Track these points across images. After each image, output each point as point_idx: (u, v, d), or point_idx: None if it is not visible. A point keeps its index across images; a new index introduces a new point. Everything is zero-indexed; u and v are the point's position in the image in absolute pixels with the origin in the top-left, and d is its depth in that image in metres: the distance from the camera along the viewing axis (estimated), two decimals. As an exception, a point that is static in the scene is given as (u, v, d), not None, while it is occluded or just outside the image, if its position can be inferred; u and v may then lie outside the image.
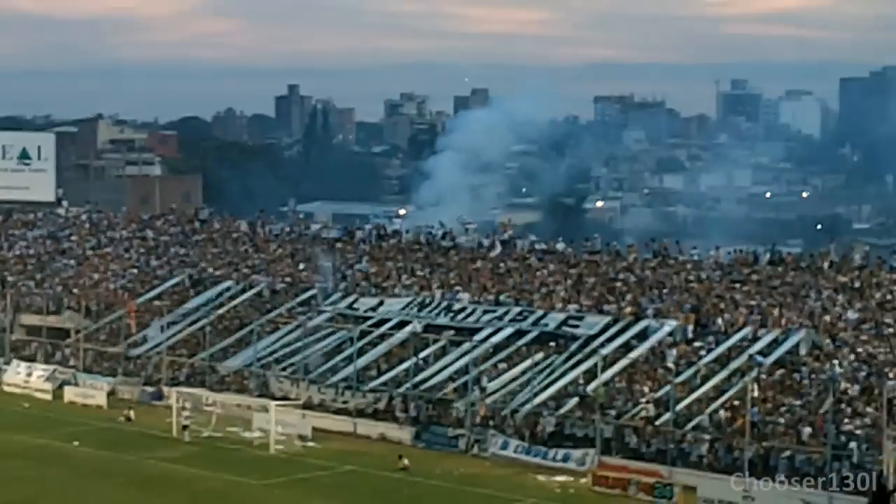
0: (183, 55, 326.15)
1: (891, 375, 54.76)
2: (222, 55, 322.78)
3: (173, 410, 62.30)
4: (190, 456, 57.48)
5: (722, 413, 56.00)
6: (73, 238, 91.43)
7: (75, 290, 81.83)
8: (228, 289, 77.77)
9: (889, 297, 61.98)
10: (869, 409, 53.37)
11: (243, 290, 77.23)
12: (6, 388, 72.88)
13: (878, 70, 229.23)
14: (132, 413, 65.24)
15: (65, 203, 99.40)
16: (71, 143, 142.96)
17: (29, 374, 73.43)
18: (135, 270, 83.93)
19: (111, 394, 69.61)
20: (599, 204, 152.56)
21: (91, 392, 70.06)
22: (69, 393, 70.59)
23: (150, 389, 70.17)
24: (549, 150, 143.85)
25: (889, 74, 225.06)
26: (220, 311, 74.83)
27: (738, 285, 66.44)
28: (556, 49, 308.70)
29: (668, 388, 57.14)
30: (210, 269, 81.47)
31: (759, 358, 58.52)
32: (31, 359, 76.08)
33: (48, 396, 70.88)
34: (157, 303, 77.61)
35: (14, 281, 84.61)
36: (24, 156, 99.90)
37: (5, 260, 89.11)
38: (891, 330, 59.04)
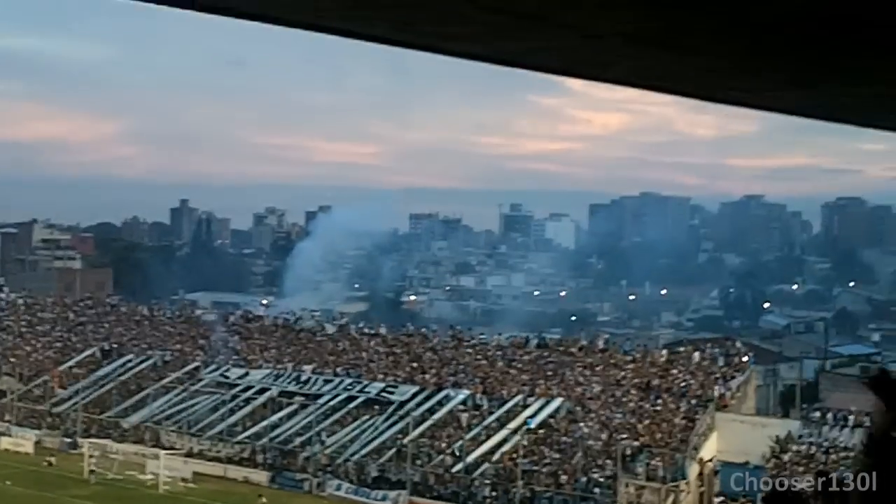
0: (100, 173, 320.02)
1: (624, 436, 55.24)
2: (130, 173, 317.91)
3: (85, 457, 60.55)
4: (97, 494, 56.01)
5: (500, 463, 56.00)
6: (11, 318, 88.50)
7: (12, 360, 79.14)
8: (130, 360, 75.80)
9: (622, 374, 62.43)
10: (608, 462, 53.77)
11: (142, 361, 75.34)
12: (-46, 439, 70.00)
13: (617, 199, 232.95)
14: (53, 459, 63.05)
15: (5, 289, 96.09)
16: (12, 242, 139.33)
17: (-27, 427, 70.77)
18: (59, 344, 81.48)
19: (37, 443, 67.02)
20: (412, 298, 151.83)
21: (21, 441, 67.39)
22: (4, 442, 67.81)
23: (67, 440, 67.80)
24: (376, 254, 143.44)
25: (624, 202, 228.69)
26: (124, 378, 72.91)
27: (513, 362, 66.43)
28: (382, 176, 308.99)
29: (460, 442, 57.03)
30: (117, 344, 79.35)
31: (529, 420, 58.66)
32: (-25, 414, 73.27)
33: (-12, 444, 68.32)
34: (74, 370, 75.43)
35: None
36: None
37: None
38: (624, 399, 59.54)
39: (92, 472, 59.08)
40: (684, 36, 4.81)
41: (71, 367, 76.16)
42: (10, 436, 68.85)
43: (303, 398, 65.70)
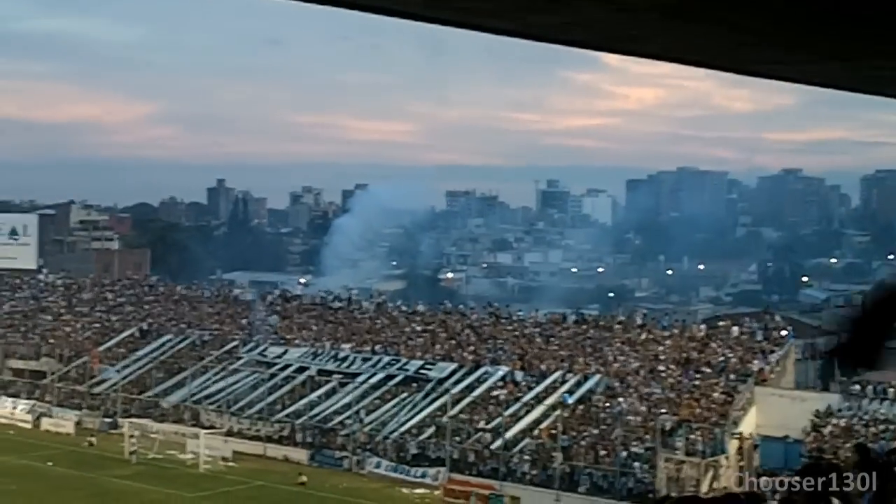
0: (136, 154, 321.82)
1: (663, 410, 55.15)
2: (167, 154, 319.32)
3: (126, 437, 61.00)
4: (138, 473, 56.39)
5: (539, 439, 56.03)
6: (51, 299, 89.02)
7: (52, 341, 79.65)
8: (169, 339, 76.17)
9: (661, 348, 62.23)
10: (647, 436, 53.70)
11: (181, 341, 75.70)
12: (-4, 419, 70.73)
13: (654, 174, 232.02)
14: (94, 439, 63.48)
15: (44, 270, 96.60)
16: (50, 223, 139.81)
17: (14, 408, 71.14)
18: (97, 325, 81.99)
19: (78, 424, 67.47)
20: (449, 275, 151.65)
21: (62, 422, 67.96)
22: (45, 423, 68.45)
23: (108, 420, 68.25)
24: (413, 232, 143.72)
25: (661, 178, 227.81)
26: (163, 357, 73.34)
27: (551, 339, 66.30)
28: (418, 154, 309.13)
29: (499, 419, 57.09)
30: (155, 324, 79.80)
31: (566, 396, 58.60)
32: (16, 395, 73.51)
33: (29, 426, 68.56)
34: (114, 350, 75.89)
35: (3, 332, 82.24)
36: (12, 233, 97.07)
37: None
38: (662, 374, 59.39)
39: (133, 452, 59.46)
40: (718, 9, 4.77)
41: (110, 348, 76.65)
42: (51, 416, 69.47)
43: (341, 376, 65.82)
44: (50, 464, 58.30)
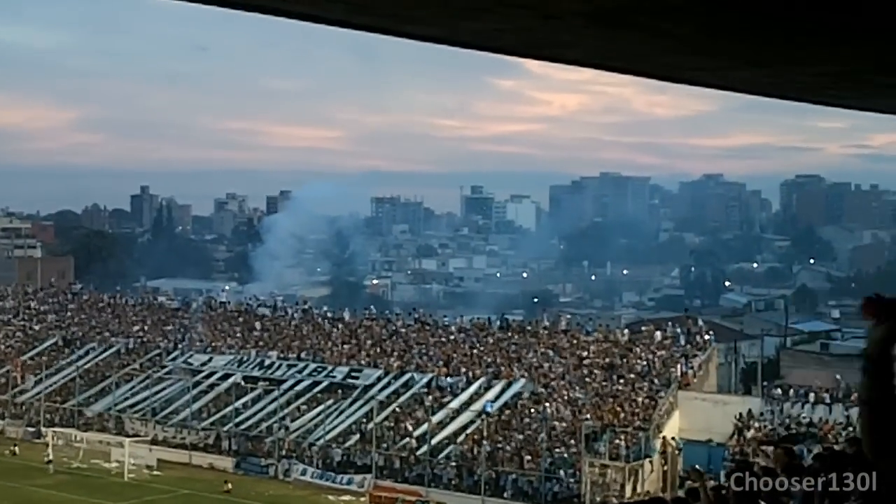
0: (59, 161, 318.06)
1: (587, 415, 55.41)
2: (90, 161, 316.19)
3: (49, 447, 60.12)
4: (62, 483, 55.69)
5: (465, 445, 56.06)
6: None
7: (-28, 350, 78.38)
8: (93, 348, 75.28)
9: (585, 353, 62.51)
10: (572, 441, 53.93)
11: (105, 349, 74.84)
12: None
13: (577, 180, 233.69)
14: (17, 449, 62.43)
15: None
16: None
17: (-65, 418, 69.97)
18: (20, 334, 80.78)
19: (1, 433, 66.56)
20: (375, 281, 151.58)
21: (-16, 432, 67.15)
22: (-33, 432, 67.48)
23: (31, 429, 67.28)
24: (338, 239, 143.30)
25: (584, 183, 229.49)
26: (87, 366, 72.42)
27: (476, 345, 66.36)
28: (344, 160, 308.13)
29: (425, 425, 57.04)
30: (79, 332, 78.77)
31: (488, 404, 58.56)
32: (-63, 405, 72.34)
33: (-50, 436, 67.52)
34: (37, 359, 74.81)
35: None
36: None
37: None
38: (587, 379, 59.66)
39: (50, 461, 58.67)
40: (643, 16, 4.82)
41: (33, 357, 75.57)
42: (-28, 426, 68.31)
43: (267, 383, 65.49)
44: (-29, 474, 57.31)
